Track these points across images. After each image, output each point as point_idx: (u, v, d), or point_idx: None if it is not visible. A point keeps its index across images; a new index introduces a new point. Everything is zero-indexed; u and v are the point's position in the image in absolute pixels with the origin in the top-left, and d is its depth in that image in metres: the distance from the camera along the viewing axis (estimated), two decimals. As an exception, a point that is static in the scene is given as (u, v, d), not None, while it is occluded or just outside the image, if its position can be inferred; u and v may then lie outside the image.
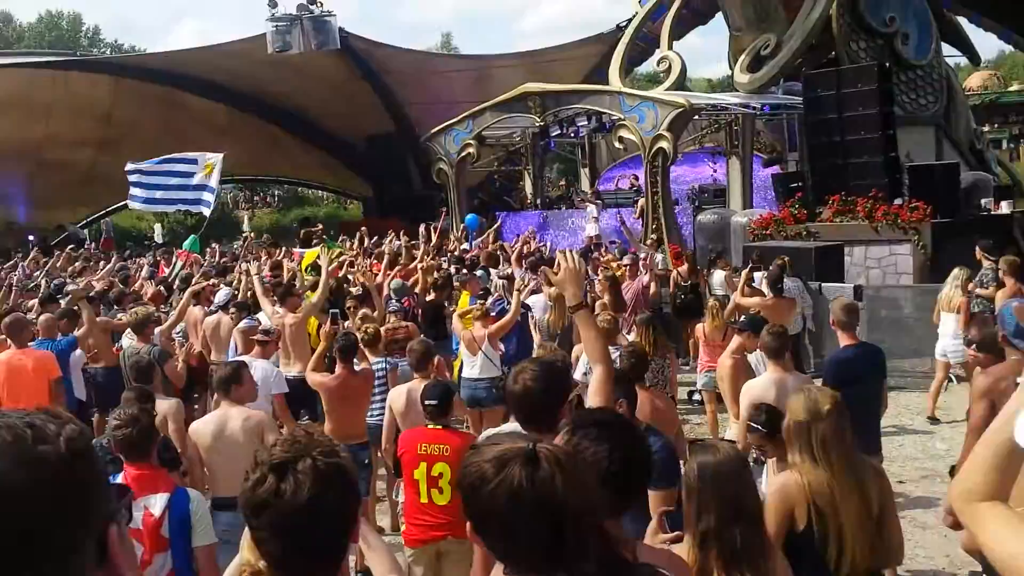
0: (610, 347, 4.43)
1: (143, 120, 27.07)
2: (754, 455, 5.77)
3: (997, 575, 1.74)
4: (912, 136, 17.57)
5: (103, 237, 29.90)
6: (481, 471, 1.80)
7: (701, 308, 11.22)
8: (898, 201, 15.07)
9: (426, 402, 5.30)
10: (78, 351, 8.39)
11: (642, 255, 13.06)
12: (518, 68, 26.80)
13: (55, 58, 30.95)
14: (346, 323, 8.75)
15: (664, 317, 11.69)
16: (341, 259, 12.56)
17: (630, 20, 23.03)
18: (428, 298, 10.52)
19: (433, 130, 22.27)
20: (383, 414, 6.93)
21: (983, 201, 16.28)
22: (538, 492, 1.75)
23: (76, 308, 8.81)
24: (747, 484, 3.18)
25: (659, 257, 14.28)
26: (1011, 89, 36.94)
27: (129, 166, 14.56)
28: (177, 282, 12.26)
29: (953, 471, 4.91)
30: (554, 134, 22.61)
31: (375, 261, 13.25)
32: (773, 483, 3.65)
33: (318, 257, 10.69)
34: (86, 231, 31.20)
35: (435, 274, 11.22)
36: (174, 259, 15.94)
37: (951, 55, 21.98)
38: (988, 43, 52.75)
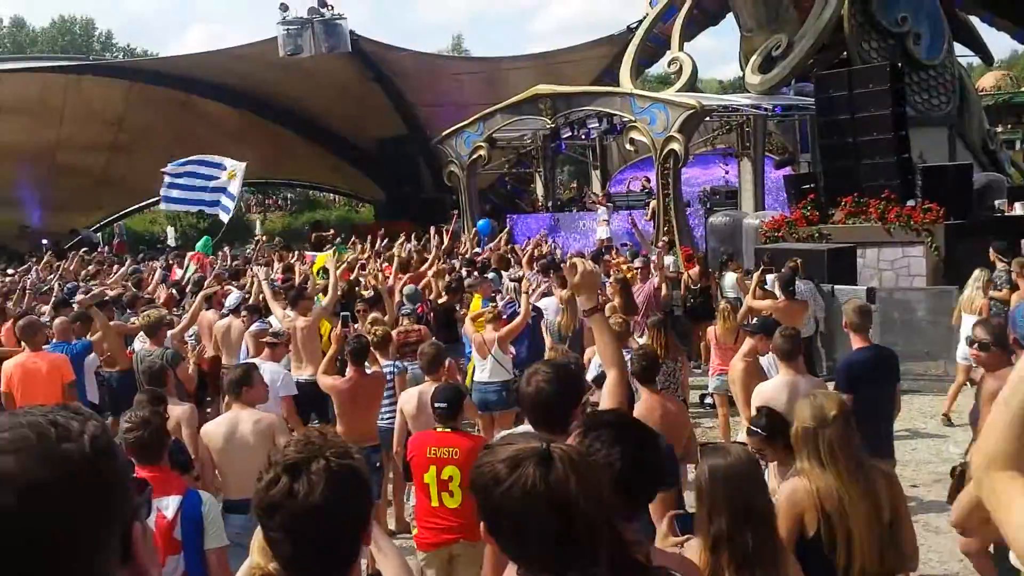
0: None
1: (155, 124, 27.24)
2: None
3: None
4: (925, 137, 17.48)
5: (116, 240, 30.07)
6: (495, 471, 1.80)
7: (711, 311, 11.20)
8: (911, 202, 14.98)
9: (436, 405, 5.30)
10: (92, 355, 8.43)
11: (653, 256, 13.04)
12: (529, 70, 26.80)
13: (68, 63, 31.17)
14: (356, 326, 8.76)
15: (675, 320, 11.67)
16: (351, 261, 12.59)
17: (640, 21, 23.03)
18: (439, 301, 10.54)
19: (444, 132, 22.31)
20: (393, 417, 6.94)
21: (996, 202, 16.19)
22: (552, 492, 1.75)
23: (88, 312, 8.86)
24: (759, 487, 3.17)
25: (669, 259, 14.25)
26: (1024, 89, 36.73)
27: (168, 167, 14.62)
28: (190, 286, 12.30)
29: (954, 472, 4.87)
30: (565, 136, 22.63)
31: (387, 264, 13.27)
32: (782, 490, 3.63)
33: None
34: (99, 235, 31.38)
35: (446, 277, 11.23)
36: (186, 261, 15.99)
37: (964, 55, 21.90)
38: (1001, 43, 52.60)
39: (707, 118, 19.37)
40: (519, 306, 9.37)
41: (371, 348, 7.42)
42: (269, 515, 1.82)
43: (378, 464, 6.87)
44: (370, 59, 26.73)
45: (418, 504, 5.35)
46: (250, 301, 10.24)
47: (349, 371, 7.01)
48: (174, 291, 12.19)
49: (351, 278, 11.61)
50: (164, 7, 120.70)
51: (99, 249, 25.01)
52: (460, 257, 14.94)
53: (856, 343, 6.42)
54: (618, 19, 74.78)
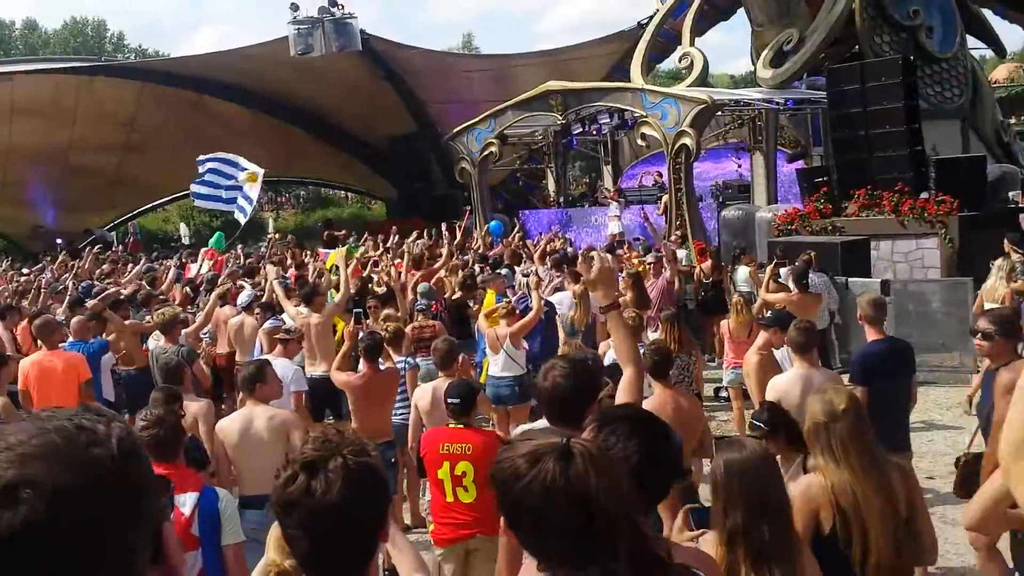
0: (635, 344, 4.40)
1: (167, 124, 27.35)
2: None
3: None
4: (938, 129, 17.40)
5: (131, 239, 30.20)
6: (515, 466, 1.80)
7: (724, 304, 11.17)
8: (924, 195, 14.93)
9: (449, 400, 5.31)
10: (108, 353, 8.48)
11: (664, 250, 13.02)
12: (539, 67, 26.76)
13: (80, 64, 31.29)
14: (368, 322, 8.79)
15: (688, 314, 11.66)
16: (365, 257, 12.61)
17: (651, 17, 22.98)
18: (453, 297, 10.55)
19: (455, 130, 22.31)
20: (407, 413, 6.96)
21: (1010, 194, 16.12)
22: (572, 487, 1.75)
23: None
24: (774, 481, 3.15)
25: (682, 253, 14.23)
26: (1038, 81, 36.47)
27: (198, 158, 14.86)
28: (204, 284, 12.36)
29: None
30: (576, 132, 22.58)
31: (399, 260, 13.29)
32: (797, 486, 3.61)
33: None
34: (113, 234, 31.53)
35: (459, 273, 11.25)
36: (200, 258, 16.05)
37: (976, 47, 21.76)
38: (1014, 35, 52.25)
39: (719, 113, 19.32)
40: (532, 301, 9.39)
41: (384, 344, 7.44)
42: (287, 513, 1.83)
43: (392, 460, 6.90)
44: (380, 58, 26.72)
45: (433, 500, 5.36)
46: (263, 298, 10.28)
47: (362, 367, 7.02)
48: (188, 289, 12.24)
49: (363, 275, 11.62)
50: (175, 8, 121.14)
51: (113, 248, 25.13)
52: (473, 253, 14.94)
53: (871, 335, 6.40)
54: (625, 18, 74.88)
